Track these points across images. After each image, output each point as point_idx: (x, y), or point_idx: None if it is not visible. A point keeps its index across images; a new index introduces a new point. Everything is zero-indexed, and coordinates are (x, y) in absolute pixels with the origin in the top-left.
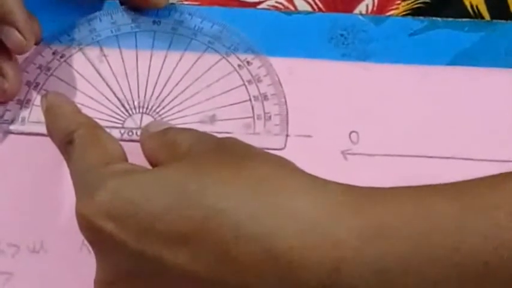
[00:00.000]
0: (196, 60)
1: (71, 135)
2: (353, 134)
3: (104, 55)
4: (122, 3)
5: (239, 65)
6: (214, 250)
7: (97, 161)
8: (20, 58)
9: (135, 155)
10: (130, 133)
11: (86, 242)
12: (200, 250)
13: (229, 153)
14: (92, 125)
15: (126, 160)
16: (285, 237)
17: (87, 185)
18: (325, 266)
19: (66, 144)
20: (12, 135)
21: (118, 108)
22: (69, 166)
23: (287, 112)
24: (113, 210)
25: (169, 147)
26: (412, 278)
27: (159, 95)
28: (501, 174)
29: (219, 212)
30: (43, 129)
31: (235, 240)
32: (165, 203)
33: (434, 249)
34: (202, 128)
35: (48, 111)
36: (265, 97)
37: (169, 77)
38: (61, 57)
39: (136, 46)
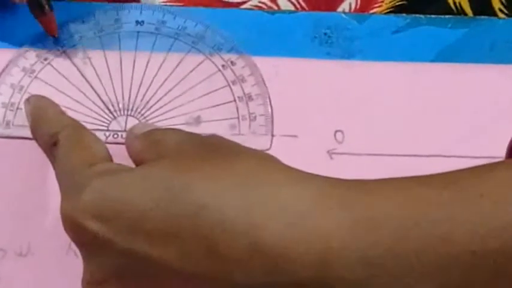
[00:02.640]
0: (180, 61)
1: (55, 137)
2: (338, 133)
3: (88, 57)
4: None
5: (223, 65)
6: (202, 246)
7: (82, 161)
8: (4, 61)
9: (121, 157)
10: (115, 135)
11: (72, 245)
12: (187, 247)
13: (214, 150)
14: (76, 126)
15: (111, 160)
16: (271, 230)
17: (72, 186)
18: (313, 258)
19: (50, 146)
20: None
21: (103, 110)
22: (54, 168)
23: (272, 112)
24: (98, 210)
25: (155, 146)
26: (401, 268)
27: (143, 96)
28: (488, 164)
29: (205, 208)
30: (28, 132)
31: (222, 235)
32: (150, 200)
33: (422, 240)
34: (187, 129)
35: (32, 114)
36: (249, 97)
37: (154, 79)
38: (45, 59)
39: (119, 47)
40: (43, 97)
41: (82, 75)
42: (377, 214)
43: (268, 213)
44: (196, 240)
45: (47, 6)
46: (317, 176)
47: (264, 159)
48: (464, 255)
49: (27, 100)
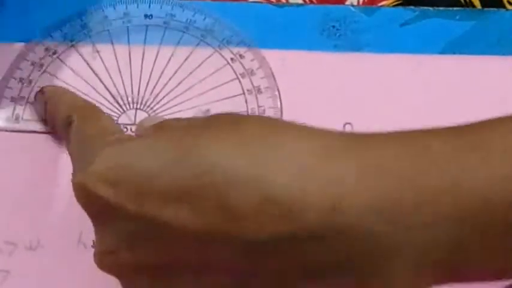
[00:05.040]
0: (189, 55)
1: (70, 118)
2: (347, 126)
3: (97, 51)
4: None
5: (232, 59)
6: (213, 202)
7: (94, 133)
8: (13, 55)
9: None
10: (125, 129)
11: (82, 238)
12: (199, 205)
13: (219, 118)
14: (91, 106)
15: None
16: (281, 182)
17: (84, 156)
18: (324, 206)
19: (66, 126)
20: (6, 133)
21: (112, 104)
22: (68, 147)
23: (281, 105)
24: (110, 175)
25: (161, 129)
26: (412, 216)
27: (152, 90)
28: (496, 118)
29: (214, 166)
30: (37, 126)
31: (233, 191)
32: (161, 162)
33: (432, 187)
34: None
35: (50, 100)
36: (258, 90)
37: (163, 72)
38: (54, 53)
39: (128, 41)
40: (58, 86)
41: (91, 69)
42: (386, 162)
43: (277, 166)
44: (206, 197)
45: None
46: (323, 129)
47: (268, 119)
48: (476, 203)
49: (41, 90)
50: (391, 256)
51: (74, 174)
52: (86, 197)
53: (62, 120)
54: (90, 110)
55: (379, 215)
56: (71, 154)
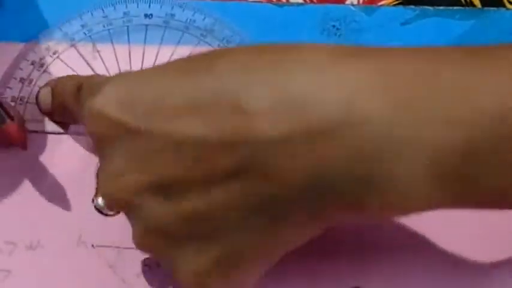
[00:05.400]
0: (189, 54)
1: (80, 84)
2: None
3: (97, 50)
4: None
5: None
6: (225, 109)
7: (102, 79)
8: (13, 55)
9: None
10: None
11: (82, 237)
12: (211, 113)
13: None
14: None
15: None
16: (295, 83)
17: (94, 89)
18: (341, 101)
19: (76, 93)
20: None
21: None
22: (79, 111)
23: None
24: (120, 97)
25: None
26: (427, 110)
27: None
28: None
29: (227, 74)
30: (37, 126)
31: (247, 94)
32: (170, 81)
33: (447, 88)
34: None
35: (58, 84)
36: None
37: None
38: (54, 53)
39: (128, 41)
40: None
41: (91, 68)
42: (396, 63)
43: (289, 73)
44: (219, 104)
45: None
46: (331, 44)
47: (275, 43)
48: (491, 108)
49: (47, 84)
50: (403, 155)
51: (86, 105)
52: (96, 120)
53: (72, 89)
54: (98, 75)
55: (393, 110)
56: (81, 106)
